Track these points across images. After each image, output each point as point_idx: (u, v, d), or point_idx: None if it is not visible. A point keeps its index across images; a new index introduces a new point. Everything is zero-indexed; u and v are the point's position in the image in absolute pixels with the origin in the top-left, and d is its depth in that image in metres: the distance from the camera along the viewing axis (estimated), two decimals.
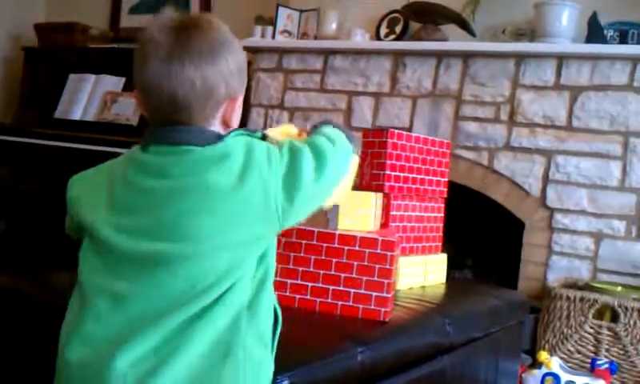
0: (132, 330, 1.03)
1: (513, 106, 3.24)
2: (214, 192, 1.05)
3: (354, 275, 1.58)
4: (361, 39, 3.56)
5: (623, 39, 3.03)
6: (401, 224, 2.02)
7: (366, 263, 1.57)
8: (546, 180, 3.17)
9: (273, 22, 3.74)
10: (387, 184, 1.95)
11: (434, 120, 3.41)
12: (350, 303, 1.58)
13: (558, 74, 3.16)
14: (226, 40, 1.11)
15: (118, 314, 1.05)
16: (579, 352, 2.84)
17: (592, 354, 2.79)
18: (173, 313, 1.03)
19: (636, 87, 3.01)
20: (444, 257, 2.23)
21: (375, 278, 1.57)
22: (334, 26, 3.66)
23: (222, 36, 1.12)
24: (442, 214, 2.22)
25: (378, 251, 1.57)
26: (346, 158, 1.23)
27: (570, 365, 2.77)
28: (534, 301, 2.95)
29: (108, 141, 3.79)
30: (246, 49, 3.80)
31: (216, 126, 1.12)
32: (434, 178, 2.15)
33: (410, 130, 3.42)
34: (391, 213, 1.97)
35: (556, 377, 2.54)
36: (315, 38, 3.70)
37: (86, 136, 3.94)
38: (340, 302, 1.59)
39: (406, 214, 2.04)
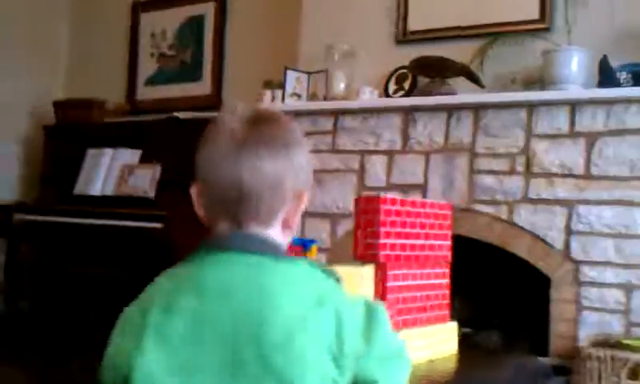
0: None
1: (528, 157, 3.12)
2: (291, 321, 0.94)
3: None
4: (369, 97, 3.50)
5: (637, 81, 2.90)
6: (400, 295, 1.91)
7: None
8: (568, 231, 3.02)
9: (282, 86, 3.71)
10: (382, 253, 1.85)
11: (449, 175, 3.31)
12: None
13: (572, 120, 3.03)
14: (298, 135, 1.10)
15: None
16: None
17: None
18: None
19: None
20: (453, 325, 2.09)
21: None
22: (342, 85, 3.62)
23: (295, 131, 1.10)
24: (447, 280, 2.11)
25: None
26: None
27: None
28: (566, 360, 2.78)
29: (126, 214, 3.79)
30: None
31: (277, 228, 1.07)
32: (435, 243, 2.04)
33: (424, 186, 3.32)
34: (388, 284, 1.86)
35: None
36: (324, 98, 3.65)
37: (106, 211, 3.94)
38: None
39: (405, 283, 1.93)
